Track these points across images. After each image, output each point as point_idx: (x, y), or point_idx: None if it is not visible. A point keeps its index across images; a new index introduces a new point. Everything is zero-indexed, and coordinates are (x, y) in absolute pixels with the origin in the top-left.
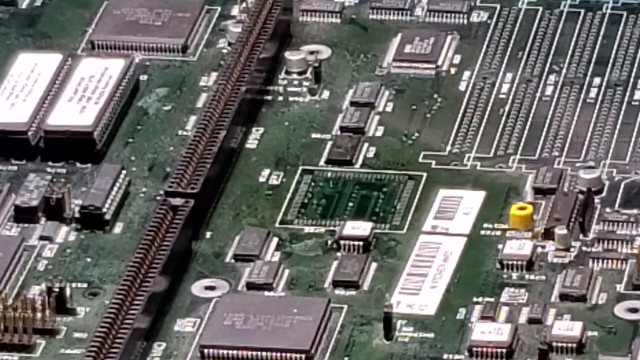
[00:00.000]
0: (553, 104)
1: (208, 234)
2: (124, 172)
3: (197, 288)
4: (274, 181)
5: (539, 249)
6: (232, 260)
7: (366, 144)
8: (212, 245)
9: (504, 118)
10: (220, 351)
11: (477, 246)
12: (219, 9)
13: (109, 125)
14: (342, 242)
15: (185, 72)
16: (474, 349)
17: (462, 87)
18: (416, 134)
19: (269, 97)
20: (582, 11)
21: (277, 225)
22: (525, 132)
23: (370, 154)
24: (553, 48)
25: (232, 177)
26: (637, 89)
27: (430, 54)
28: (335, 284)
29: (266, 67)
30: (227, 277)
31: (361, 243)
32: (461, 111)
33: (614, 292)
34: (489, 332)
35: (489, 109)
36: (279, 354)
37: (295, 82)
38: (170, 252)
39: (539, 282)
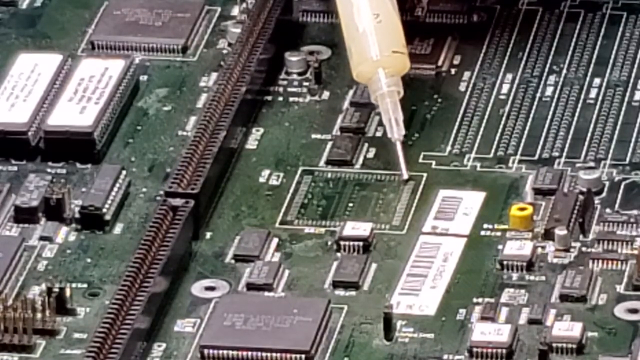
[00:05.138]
0: (553, 104)
1: (208, 234)
2: (124, 172)
3: (197, 288)
4: (274, 181)
5: (539, 250)
6: (232, 261)
7: (366, 144)
8: (212, 245)
9: (504, 118)
10: (220, 351)
11: (477, 247)
12: (219, 9)
13: (109, 126)
14: (342, 242)
15: (185, 73)
16: (474, 349)
17: (462, 87)
18: (416, 134)
19: (269, 98)
20: (582, 11)
21: (277, 225)
22: (525, 132)
23: (370, 154)
24: (553, 48)
25: (232, 177)
26: (637, 89)
27: (430, 54)
28: (335, 284)
29: (266, 68)
30: (227, 277)
31: (361, 243)
32: (461, 111)
33: (614, 293)
34: (489, 332)
35: (489, 109)
36: (279, 355)
37: (296, 83)
38: (170, 252)
39: (539, 283)
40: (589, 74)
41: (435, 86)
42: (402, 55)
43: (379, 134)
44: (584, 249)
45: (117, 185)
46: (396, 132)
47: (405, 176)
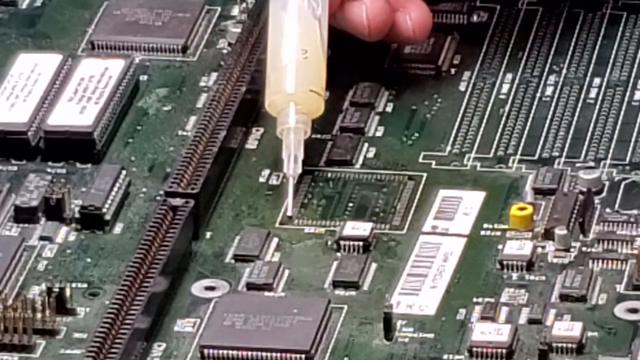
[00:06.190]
0: (553, 104)
1: (208, 234)
2: (124, 172)
3: (197, 288)
4: (274, 181)
5: (539, 250)
6: (232, 261)
7: (366, 144)
8: (212, 245)
9: (504, 118)
10: (220, 351)
11: (477, 246)
12: (219, 9)
13: (109, 126)
14: (342, 242)
15: (185, 72)
16: (474, 349)
17: (462, 87)
18: (416, 134)
19: None
20: (582, 11)
21: (277, 225)
22: (525, 132)
23: (370, 154)
24: (553, 48)
25: (232, 177)
26: (637, 89)
27: (430, 54)
28: (335, 284)
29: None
30: (227, 277)
31: (361, 243)
32: (461, 111)
33: (614, 293)
34: (489, 332)
35: (489, 109)
36: (279, 354)
37: None
38: (170, 252)
39: (539, 283)
40: (589, 74)
41: (435, 86)
42: (318, 97)
43: (379, 134)
44: (584, 248)
45: (117, 185)
46: (292, 168)
47: (290, 213)
